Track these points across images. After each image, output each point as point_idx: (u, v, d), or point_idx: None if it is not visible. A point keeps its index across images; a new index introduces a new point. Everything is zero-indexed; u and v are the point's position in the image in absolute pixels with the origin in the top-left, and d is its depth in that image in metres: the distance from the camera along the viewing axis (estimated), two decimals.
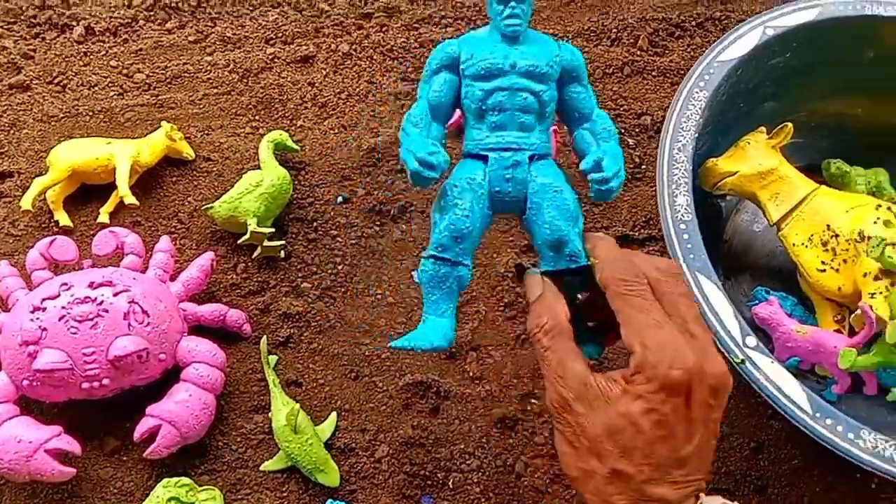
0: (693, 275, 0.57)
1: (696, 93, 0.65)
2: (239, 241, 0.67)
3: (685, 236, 0.58)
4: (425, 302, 0.45)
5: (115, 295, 0.60)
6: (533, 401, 0.65)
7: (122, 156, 0.69)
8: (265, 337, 0.64)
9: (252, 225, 0.66)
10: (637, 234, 0.72)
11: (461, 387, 0.65)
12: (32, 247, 0.64)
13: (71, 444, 0.58)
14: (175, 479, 0.58)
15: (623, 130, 0.78)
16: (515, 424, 0.64)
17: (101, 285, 0.60)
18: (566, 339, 0.41)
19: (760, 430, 0.64)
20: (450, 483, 0.61)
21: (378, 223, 0.72)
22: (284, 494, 0.60)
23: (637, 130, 0.78)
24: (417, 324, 0.44)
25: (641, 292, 0.40)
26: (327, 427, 0.62)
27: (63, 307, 0.58)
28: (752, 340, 0.54)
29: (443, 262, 0.44)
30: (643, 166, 0.76)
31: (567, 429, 0.39)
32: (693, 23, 0.85)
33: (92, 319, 0.58)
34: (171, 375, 0.62)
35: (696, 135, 0.63)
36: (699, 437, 0.38)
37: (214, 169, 0.74)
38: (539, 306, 0.42)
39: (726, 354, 0.54)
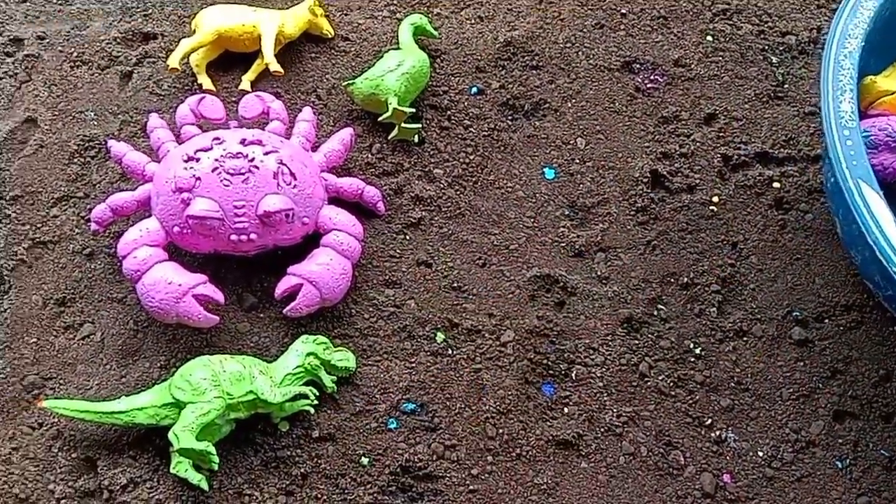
0: (854, 182, 0.56)
1: (865, 1, 0.63)
2: (380, 118, 0.67)
3: (848, 143, 0.57)
4: None
5: (266, 154, 0.60)
6: (660, 306, 0.64)
7: (268, 24, 0.69)
8: None
9: (393, 103, 0.66)
10: (776, 152, 0.70)
11: (588, 285, 0.65)
12: (177, 107, 0.65)
13: (216, 293, 0.60)
14: (314, 337, 0.59)
15: (766, 48, 0.76)
16: (641, 327, 0.63)
17: (251, 143, 0.61)
18: None
19: (891, 360, 0.63)
20: (573, 375, 0.61)
21: (510, 118, 0.71)
22: (413, 365, 0.61)
23: (781, 49, 0.76)
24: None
25: None
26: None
27: (216, 160, 0.59)
28: None
29: None
30: (786, 85, 0.74)
31: None
32: None
33: (243, 174, 0.59)
34: (309, 242, 0.63)
35: (864, 43, 0.60)
36: None
37: (352, 49, 0.73)
38: None
39: (885, 263, 0.53)
